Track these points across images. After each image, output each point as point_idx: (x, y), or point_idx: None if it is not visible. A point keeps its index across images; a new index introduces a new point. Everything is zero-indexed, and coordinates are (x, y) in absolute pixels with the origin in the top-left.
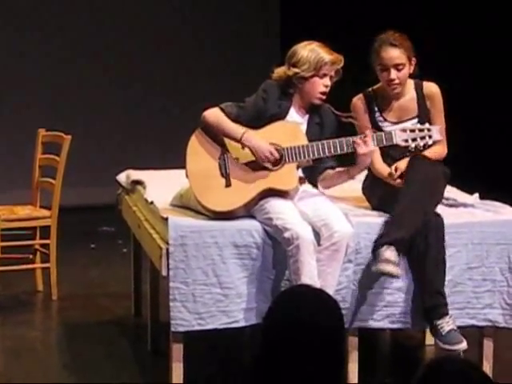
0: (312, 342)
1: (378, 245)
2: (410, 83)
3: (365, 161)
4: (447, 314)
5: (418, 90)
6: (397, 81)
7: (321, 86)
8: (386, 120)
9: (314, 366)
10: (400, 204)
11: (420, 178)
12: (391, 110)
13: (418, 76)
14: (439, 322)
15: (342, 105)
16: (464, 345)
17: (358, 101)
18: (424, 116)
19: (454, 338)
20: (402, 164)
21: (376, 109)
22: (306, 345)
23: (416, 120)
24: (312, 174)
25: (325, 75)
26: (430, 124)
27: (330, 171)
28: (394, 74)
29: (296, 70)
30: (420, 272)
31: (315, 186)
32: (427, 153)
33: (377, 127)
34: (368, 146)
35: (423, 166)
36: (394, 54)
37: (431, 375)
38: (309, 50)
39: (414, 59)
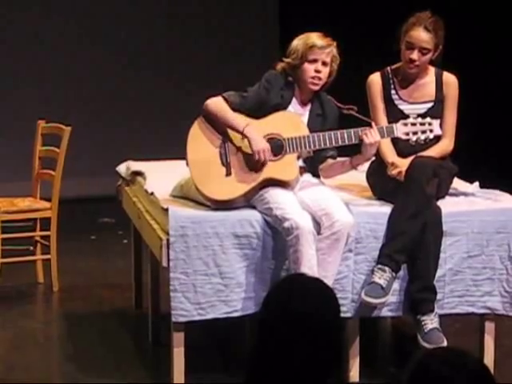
0: (307, 330)
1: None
2: (431, 69)
3: (370, 151)
4: (433, 310)
5: (438, 77)
6: (417, 62)
7: (311, 71)
8: (401, 98)
9: (310, 354)
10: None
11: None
12: (408, 90)
13: (439, 65)
14: (424, 318)
15: (342, 97)
16: (444, 345)
17: (375, 77)
18: (439, 103)
19: (435, 338)
20: (403, 164)
21: (392, 86)
22: (301, 333)
23: (431, 104)
24: (312, 163)
25: (315, 60)
26: (442, 112)
27: (330, 160)
28: (416, 55)
29: (288, 59)
30: (413, 264)
31: (316, 175)
32: (432, 150)
33: (392, 105)
34: (374, 137)
35: (420, 180)
36: (424, 37)
37: (426, 364)
38: (299, 39)
39: (440, 47)
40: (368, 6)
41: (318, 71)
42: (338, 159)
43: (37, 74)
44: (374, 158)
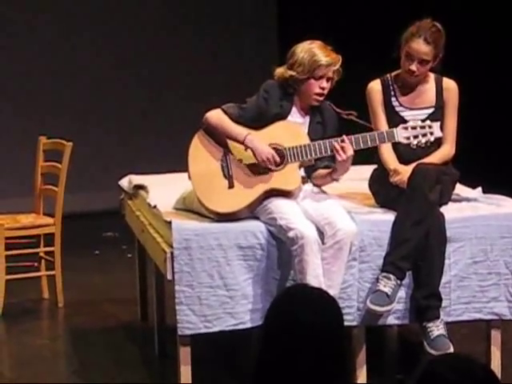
0: (311, 339)
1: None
2: (431, 76)
3: (344, 165)
4: (438, 317)
5: (438, 83)
6: (416, 73)
7: (316, 87)
8: (401, 105)
9: (314, 364)
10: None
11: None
12: (408, 97)
13: (439, 72)
14: (429, 324)
15: (342, 104)
16: (451, 351)
17: (375, 85)
18: (439, 109)
19: (441, 344)
20: (405, 171)
21: (392, 93)
22: (305, 342)
23: (431, 110)
24: (308, 173)
25: (321, 77)
26: (443, 118)
27: (321, 171)
28: (415, 66)
29: (292, 72)
30: (418, 271)
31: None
32: (433, 157)
33: (392, 111)
34: (346, 153)
35: (423, 190)
36: (424, 49)
37: (433, 371)
38: (305, 52)
39: (440, 55)
40: (367, 8)
41: (322, 88)
42: (320, 171)
43: (37, 89)
44: (376, 166)
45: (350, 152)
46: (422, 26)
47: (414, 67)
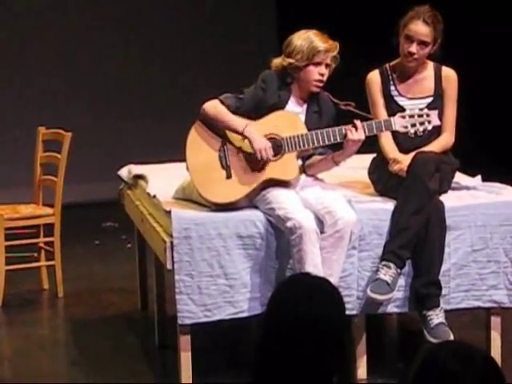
0: (312, 329)
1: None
2: (430, 64)
3: (352, 148)
4: (438, 305)
5: (437, 71)
6: (416, 56)
7: (316, 74)
8: (400, 94)
9: (315, 354)
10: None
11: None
12: (407, 84)
13: (438, 59)
14: (429, 313)
15: (337, 93)
16: (451, 339)
17: (374, 75)
18: (438, 97)
19: (441, 332)
20: (404, 160)
21: (391, 83)
22: (306, 332)
23: (430, 99)
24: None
25: (319, 63)
26: (442, 107)
27: (316, 157)
28: (415, 48)
29: (290, 60)
30: (417, 259)
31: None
32: (433, 146)
33: (392, 101)
34: (359, 134)
35: (423, 176)
36: (423, 30)
37: (434, 358)
38: (302, 39)
39: (439, 41)
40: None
41: (322, 74)
42: (321, 156)
43: (36, 81)
44: (375, 155)
45: (361, 135)
46: (420, 10)
47: (413, 49)
